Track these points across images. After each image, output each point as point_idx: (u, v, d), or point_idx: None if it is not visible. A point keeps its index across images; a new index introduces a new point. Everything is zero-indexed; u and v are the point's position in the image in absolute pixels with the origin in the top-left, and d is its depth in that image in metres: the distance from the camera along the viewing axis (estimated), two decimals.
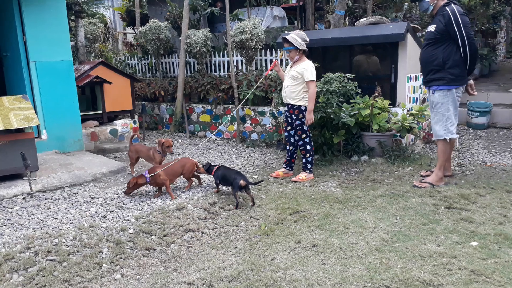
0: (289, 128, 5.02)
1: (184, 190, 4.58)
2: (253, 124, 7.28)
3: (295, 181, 4.86)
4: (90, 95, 7.10)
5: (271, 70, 5.44)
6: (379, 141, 5.43)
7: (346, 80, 5.46)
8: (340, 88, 5.31)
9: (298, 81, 4.73)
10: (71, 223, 3.70)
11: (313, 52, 6.17)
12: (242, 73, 7.51)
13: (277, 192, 4.56)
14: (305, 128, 4.84)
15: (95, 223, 3.67)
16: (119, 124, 6.97)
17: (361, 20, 6.99)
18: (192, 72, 8.38)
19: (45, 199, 4.32)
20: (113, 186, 4.81)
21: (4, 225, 3.70)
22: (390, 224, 3.59)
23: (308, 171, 4.95)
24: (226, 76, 7.78)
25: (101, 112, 6.86)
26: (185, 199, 4.28)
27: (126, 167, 5.42)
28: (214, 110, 7.75)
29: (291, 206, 4.08)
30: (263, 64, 7.51)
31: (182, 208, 4.01)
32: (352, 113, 5.29)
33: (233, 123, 7.51)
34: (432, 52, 4.34)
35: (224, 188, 4.51)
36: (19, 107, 4.61)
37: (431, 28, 4.33)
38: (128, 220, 3.76)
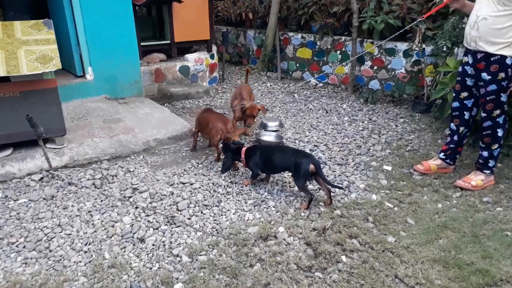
0: (465, 94, 2.85)
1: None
2: (375, 67, 5.10)
3: (461, 188, 2.83)
4: (156, 19, 5.39)
5: (445, 5, 3.12)
6: None
7: None
8: None
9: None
10: (86, 253, 2.21)
11: None
12: None
13: (435, 211, 2.59)
14: (503, 98, 2.65)
15: (122, 260, 2.13)
16: (191, 59, 5.25)
17: None
18: None
19: (69, 185, 2.88)
20: (169, 164, 3.24)
21: None
22: None
23: (488, 171, 2.86)
24: None
25: (168, 42, 5.15)
26: (274, 214, 2.55)
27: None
28: (318, 43, 5.64)
29: (472, 258, 2.13)
30: None
31: (267, 235, 2.32)
32: None
33: (345, 64, 5.38)
34: None
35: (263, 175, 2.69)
36: (35, 39, 3.05)
37: None
38: (178, 257, 2.17)
